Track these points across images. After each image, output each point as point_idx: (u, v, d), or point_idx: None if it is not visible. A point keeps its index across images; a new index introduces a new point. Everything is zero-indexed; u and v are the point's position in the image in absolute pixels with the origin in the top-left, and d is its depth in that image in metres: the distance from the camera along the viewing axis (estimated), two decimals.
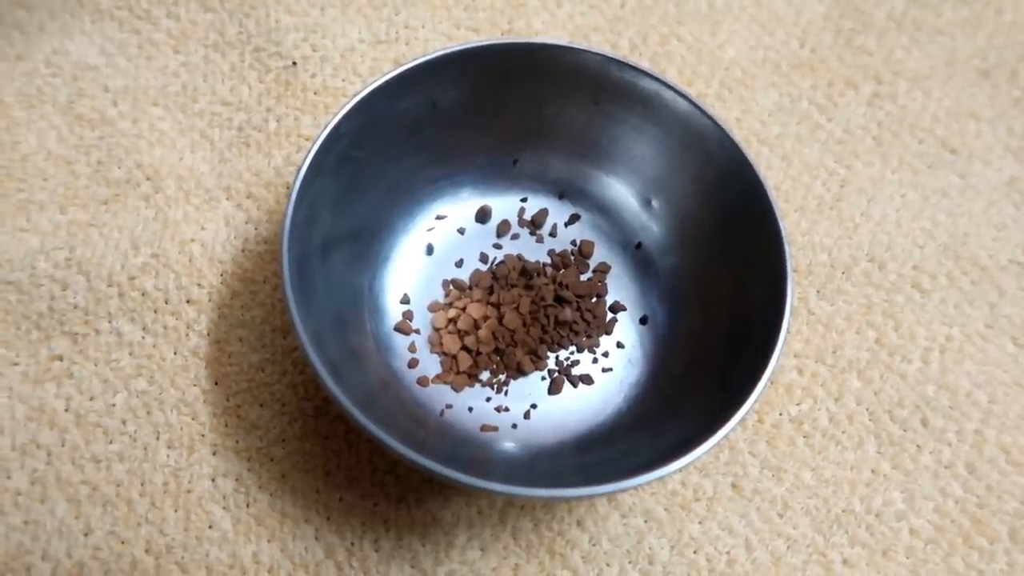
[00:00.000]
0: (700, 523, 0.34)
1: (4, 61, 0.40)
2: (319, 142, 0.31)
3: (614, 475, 0.28)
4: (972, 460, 0.36)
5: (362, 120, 0.33)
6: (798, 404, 0.36)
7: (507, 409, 0.35)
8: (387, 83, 0.33)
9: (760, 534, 0.34)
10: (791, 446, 0.35)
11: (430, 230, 0.38)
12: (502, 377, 0.35)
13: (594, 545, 0.33)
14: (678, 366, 0.35)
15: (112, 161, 0.39)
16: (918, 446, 0.36)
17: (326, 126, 0.31)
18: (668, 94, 0.34)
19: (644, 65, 0.35)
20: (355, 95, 0.32)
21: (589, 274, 0.38)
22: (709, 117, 0.34)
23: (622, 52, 0.44)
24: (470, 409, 0.34)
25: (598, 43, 0.44)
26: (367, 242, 0.36)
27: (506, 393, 0.35)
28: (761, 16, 0.46)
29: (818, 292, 0.39)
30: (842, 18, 0.46)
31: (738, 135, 0.34)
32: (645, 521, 0.34)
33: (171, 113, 0.40)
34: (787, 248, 0.31)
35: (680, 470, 0.28)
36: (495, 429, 0.34)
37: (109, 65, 0.41)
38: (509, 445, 0.34)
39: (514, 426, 0.34)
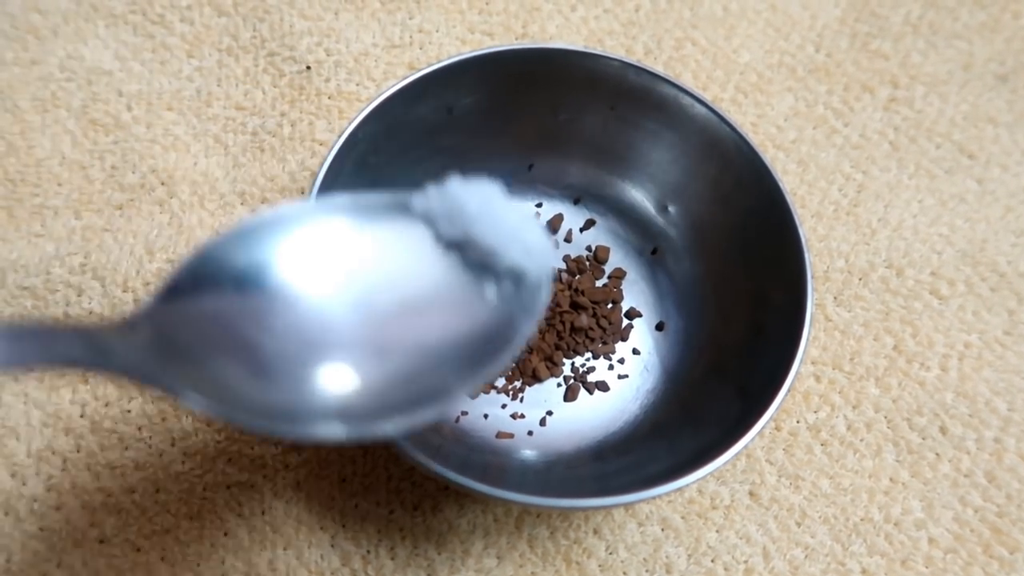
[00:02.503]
0: (718, 531, 0.34)
1: (18, 66, 0.40)
2: (336, 148, 0.31)
3: (632, 484, 0.27)
4: (991, 468, 0.35)
5: (379, 125, 0.33)
6: (815, 411, 0.36)
7: (523, 416, 0.34)
8: (404, 88, 0.33)
9: (778, 543, 0.33)
10: (809, 454, 0.35)
11: None
12: (517, 384, 0.35)
13: (611, 554, 0.33)
14: (695, 373, 0.34)
15: (126, 166, 0.39)
16: (937, 454, 0.36)
17: (343, 132, 0.31)
18: (686, 99, 0.34)
19: (660, 70, 0.35)
20: (372, 100, 0.32)
21: (605, 280, 0.38)
22: (727, 123, 0.33)
23: (636, 56, 0.44)
24: (485, 416, 0.34)
25: (612, 47, 0.44)
26: None
27: (522, 400, 0.35)
28: (776, 20, 0.45)
29: (835, 298, 0.39)
30: (858, 22, 0.46)
31: (754, 140, 0.33)
32: (662, 529, 0.33)
33: (185, 118, 0.40)
34: (807, 256, 0.31)
35: (698, 480, 0.27)
36: (511, 436, 0.34)
37: (123, 70, 0.41)
38: (526, 452, 0.33)
39: (530, 433, 0.34)
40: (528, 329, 0.24)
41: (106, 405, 0.34)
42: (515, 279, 0.24)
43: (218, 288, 0.22)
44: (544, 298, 0.24)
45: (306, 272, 0.24)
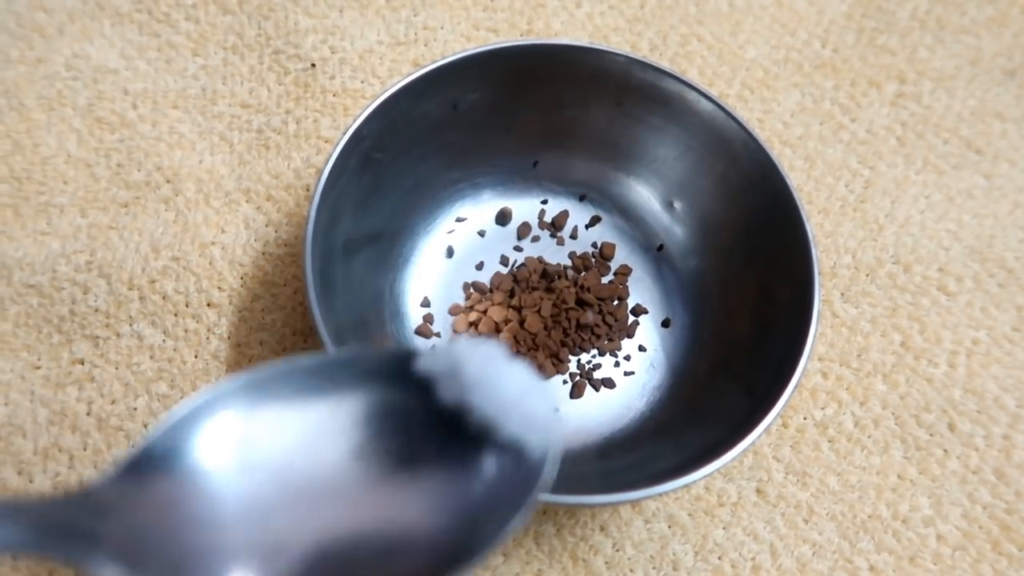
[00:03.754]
0: (724, 529, 0.33)
1: (24, 64, 0.40)
2: (341, 144, 0.31)
3: (638, 481, 0.27)
4: (1000, 465, 0.35)
5: (384, 122, 0.33)
6: (823, 408, 0.36)
7: None
8: (409, 85, 0.33)
9: (785, 540, 0.33)
10: (816, 451, 0.35)
11: (450, 232, 0.38)
12: None
13: (617, 551, 0.33)
14: (702, 370, 0.34)
15: (132, 164, 0.39)
16: (945, 451, 0.35)
17: (348, 128, 0.31)
18: (692, 95, 0.34)
19: (667, 66, 0.34)
20: (377, 97, 0.32)
21: (610, 276, 0.37)
22: (734, 119, 0.33)
23: (642, 53, 0.44)
24: None
25: (618, 43, 0.44)
26: (388, 244, 0.36)
27: None
28: (782, 16, 0.45)
29: (842, 295, 0.38)
30: (864, 17, 0.45)
31: (761, 136, 0.33)
32: (669, 526, 0.33)
33: (190, 116, 0.40)
34: (815, 253, 0.31)
35: (705, 477, 0.27)
36: None
37: (129, 68, 0.41)
38: None
39: None
40: (523, 515, 0.21)
41: (112, 402, 0.34)
42: (516, 453, 0.22)
43: (165, 476, 0.20)
44: (547, 477, 0.22)
45: (274, 458, 0.21)
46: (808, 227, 0.31)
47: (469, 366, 0.22)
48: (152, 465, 0.20)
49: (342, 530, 0.21)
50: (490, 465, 0.22)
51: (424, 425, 0.22)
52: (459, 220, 0.38)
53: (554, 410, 0.22)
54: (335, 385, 0.23)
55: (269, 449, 0.21)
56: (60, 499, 0.19)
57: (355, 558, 0.21)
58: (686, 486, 0.29)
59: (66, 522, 0.18)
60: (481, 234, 0.38)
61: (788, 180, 0.32)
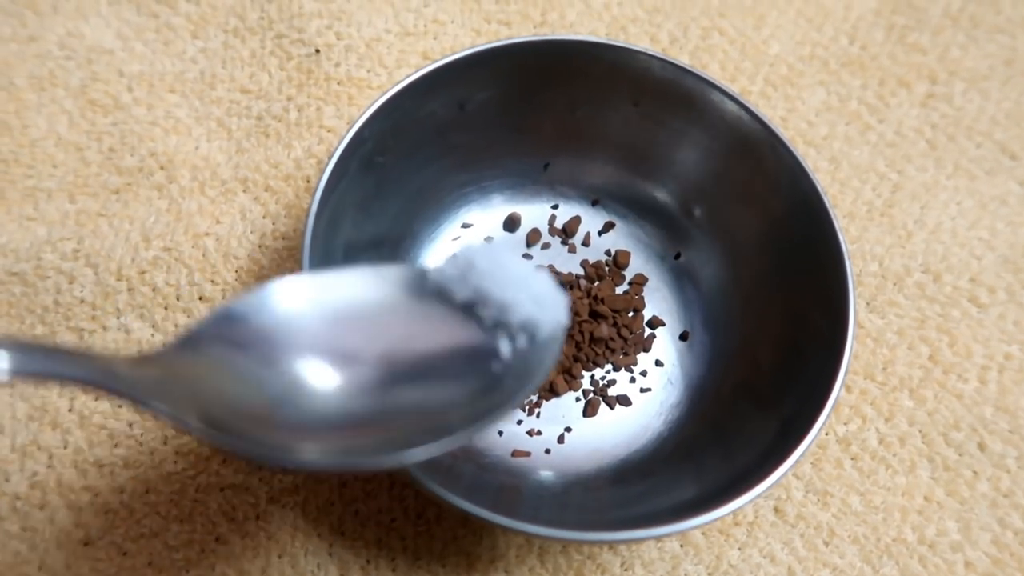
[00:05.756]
0: (740, 549, 0.31)
1: (15, 42, 0.39)
2: (341, 148, 0.29)
3: (657, 512, 0.26)
4: None
5: (386, 123, 0.30)
6: (846, 424, 0.34)
7: (539, 433, 0.32)
8: (413, 84, 0.30)
9: (804, 563, 0.31)
10: (838, 469, 0.33)
11: (456, 239, 0.36)
12: (534, 398, 0.33)
13: (626, 570, 0.31)
14: (724, 389, 0.32)
15: (125, 148, 0.37)
16: (975, 472, 0.33)
17: (348, 131, 0.29)
18: (715, 95, 0.32)
19: (686, 63, 0.32)
20: (379, 98, 0.30)
21: (625, 286, 0.35)
22: (760, 121, 0.31)
23: (661, 45, 0.42)
24: (500, 433, 0.32)
25: (636, 35, 0.42)
26: (390, 252, 0.34)
27: (538, 415, 0.33)
28: (808, 10, 0.43)
29: (868, 304, 0.36)
30: (895, 14, 0.43)
31: (787, 137, 0.31)
32: (681, 546, 0.31)
33: (188, 100, 0.38)
34: (849, 268, 0.29)
35: (732, 511, 0.25)
36: (527, 454, 0.32)
37: (125, 49, 0.39)
38: (543, 473, 0.31)
39: (547, 451, 0.32)
40: (534, 383, 0.24)
41: (96, 399, 0.32)
42: (529, 335, 0.25)
43: (234, 346, 0.23)
44: (555, 353, 0.25)
45: (321, 339, 0.24)
46: (842, 240, 0.29)
47: (478, 262, 0.25)
48: (228, 322, 0.22)
49: (400, 355, 0.25)
50: (506, 346, 0.25)
51: (445, 318, 0.25)
52: (465, 226, 0.36)
53: (560, 289, 0.26)
54: (367, 284, 0.25)
55: (334, 297, 0.24)
56: (130, 357, 0.21)
57: (410, 384, 0.24)
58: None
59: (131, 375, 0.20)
60: (488, 241, 0.36)
61: (819, 187, 0.30)
